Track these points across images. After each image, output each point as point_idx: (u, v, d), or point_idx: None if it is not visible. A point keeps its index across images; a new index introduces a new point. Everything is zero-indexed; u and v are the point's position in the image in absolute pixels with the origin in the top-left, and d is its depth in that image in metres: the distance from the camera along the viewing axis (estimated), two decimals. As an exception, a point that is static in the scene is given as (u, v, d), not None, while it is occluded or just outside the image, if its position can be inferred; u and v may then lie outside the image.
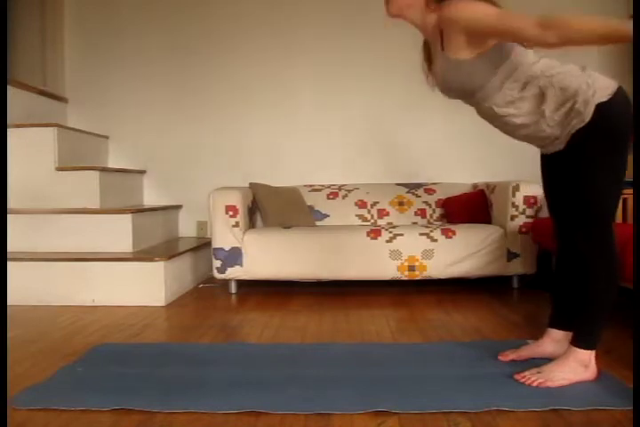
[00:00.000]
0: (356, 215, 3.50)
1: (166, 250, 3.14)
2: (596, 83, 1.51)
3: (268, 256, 2.98)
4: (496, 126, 1.68)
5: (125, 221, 3.01)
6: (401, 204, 3.52)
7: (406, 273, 2.96)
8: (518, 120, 1.59)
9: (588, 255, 1.59)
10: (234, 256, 2.98)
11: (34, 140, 3.20)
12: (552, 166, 1.68)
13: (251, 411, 1.42)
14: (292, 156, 3.81)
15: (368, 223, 3.47)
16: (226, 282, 3.11)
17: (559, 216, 1.73)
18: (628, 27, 1.29)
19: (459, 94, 1.65)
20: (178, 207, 3.87)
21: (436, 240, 2.94)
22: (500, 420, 1.37)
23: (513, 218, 3.01)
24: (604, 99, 1.50)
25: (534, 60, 1.56)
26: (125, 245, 3.00)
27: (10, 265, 2.54)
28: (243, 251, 2.99)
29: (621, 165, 1.55)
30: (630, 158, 1.56)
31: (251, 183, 3.36)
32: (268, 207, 3.28)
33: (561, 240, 1.75)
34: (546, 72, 1.54)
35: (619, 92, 1.52)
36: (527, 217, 3.00)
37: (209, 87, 3.84)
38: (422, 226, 3.08)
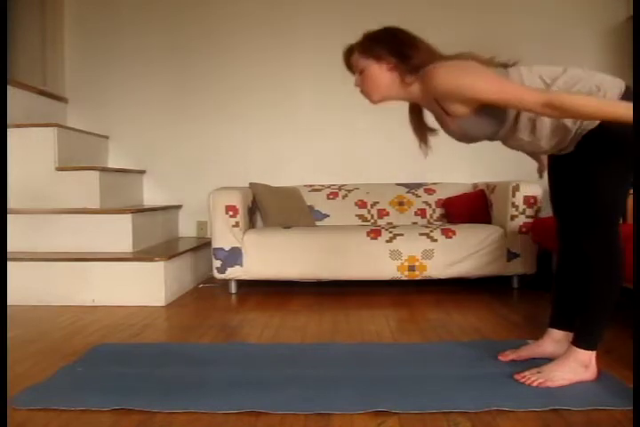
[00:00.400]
0: (356, 215, 3.50)
1: (166, 250, 3.14)
2: (604, 84, 1.50)
3: (268, 256, 2.98)
4: (527, 152, 1.69)
5: (125, 221, 3.01)
6: (401, 204, 3.52)
7: (406, 273, 2.96)
8: (545, 143, 1.57)
9: (591, 255, 1.59)
10: (234, 256, 2.98)
11: (34, 140, 3.20)
12: (560, 166, 1.67)
13: (251, 411, 1.42)
14: (291, 156, 3.81)
15: (368, 223, 3.47)
16: (226, 282, 3.11)
17: (564, 216, 1.73)
18: (629, 112, 1.33)
19: (484, 140, 1.66)
20: (178, 207, 3.87)
21: (435, 240, 2.94)
22: (500, 420, 1.37)
23: (513, 218, 3.01)
24: (615, 99, 1.49)
25: (537, 81, 1.52)
26: (125, 245, 3.00)
27: (10, 265, 2.54)
28: (243, 251, 2.99)
29: (628, 166, 1.55)
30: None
31: (251, 183, 3.35)
32: (268, 207, 3.28)
33: (564, 240, 1.75)
34: (552, 87, 1.51)
35: (627, 93, 1.51)
36: (527, 217, 3.00)
37: (209, 87, 3.84)
38: (422, 226, 3.08)
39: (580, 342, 1.60)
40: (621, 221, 2.79)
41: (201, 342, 2.13)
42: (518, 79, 1.52)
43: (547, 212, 2.26)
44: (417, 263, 2.95)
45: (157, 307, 2.72)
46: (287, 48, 3.79)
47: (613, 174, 1.54)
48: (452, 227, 3.02)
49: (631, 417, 1.31)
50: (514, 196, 3.01)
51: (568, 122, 1.51)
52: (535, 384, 1.57)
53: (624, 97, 1.49)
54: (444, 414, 1.40)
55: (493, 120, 1.55)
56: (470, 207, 3.32)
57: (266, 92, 3.81)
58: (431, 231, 2.97)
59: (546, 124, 1.53)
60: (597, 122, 1.49)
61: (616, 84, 1.52)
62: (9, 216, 2.83)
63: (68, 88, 3.90)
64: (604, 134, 1.50)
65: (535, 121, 1.53)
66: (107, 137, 3.89)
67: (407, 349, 1.96)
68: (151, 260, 2.78)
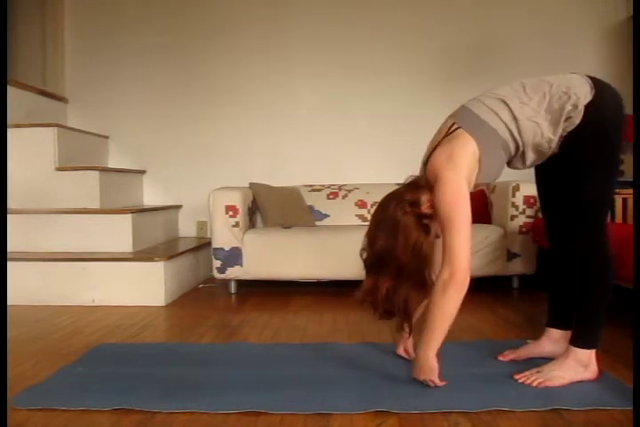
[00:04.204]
0: (356, 215, 3.50)
1: (166, 250, 3.14)
2: (572, 88, 1.51)
3: (268, 256, 2.98)
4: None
5: (125, 221, 3.01)
6: (401, 204, 3.52)
7: (406, 273, 2.95)
8: (530, 154, 1.59)
9: (581, 254, 1.59)
10: (234, 256, 2.98)
11: (34, 140, 3.20)
12: (545, 167, 1.68)
13: (251, 411, 1.42)
14: (291, 156, 3.81)
15: (368, 223, 3.46)
16: (226, 282, 3.11)
17: (552, 216, 1.73)
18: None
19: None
20: (178, 207, 3.87)
21: (435, 240, 2.94)
22: (500, 420, 1.37)
23: (513, 218, 3.01)
24: (589, 98, 1.49)
25: (507, 114, 1.54)
26: (125, 245, 3.00)
27: (10, 265, 2.54)
28: (242, 251, 2.99)
29: (614, 163, 1.56)
30: (630, 158, 1.56)
31: (251, 183, 3.35)
32: (268, 207, 3.28)
33: (555, 240, 1.76)
34: (526, 112, 1.53)
35: (598, 89, 1.51)
36: (527, 217, 3.00)
37: (209, 87, 3.84)
38: (422, 226, 3.08)
39: (578, 341, 1.60)
40: (621, 221, 2.80)
41: (201, 342, 2.13)
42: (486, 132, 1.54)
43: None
44: (417, 263, 2.94)
45: (157, 307, 2.72)
46: (286, 48, 3.79)
47: (599, 173, 1.55)
48: (452, 227, 3.01)
49: (631, 417, 1.31)
50: (514, 196, 3.01)
51: (550, 134, 1.52)
52: (535, 384, 1.57)
53: (598, 94, 1.50)
54: (444, 414, 1.40)
55: (499, 160, 1.60)
56: (470, 207, 3.31)
57: (266, 92, 3.81)
58: (431, 231, 2.96)
59: (528, 137, 1.54)
60: (577, 122, 1.49)
61: (580, 81, 1.53)
62: (9, 216, 2.83)
63: (68, 88, 3.91)
64: (585, 132, 1.51)
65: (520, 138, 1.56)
66: (107, 137, 3.90)
67: (407, 349, 1.96)
68: (151, 260, 2.78)
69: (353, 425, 1.36)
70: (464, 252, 1.53)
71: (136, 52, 3.86)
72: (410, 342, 1.86)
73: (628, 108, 1.59)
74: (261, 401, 1.46)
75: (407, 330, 1.75)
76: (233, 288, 3.09)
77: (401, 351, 1.87)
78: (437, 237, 1.61)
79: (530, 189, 2.99)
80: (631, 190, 2.25)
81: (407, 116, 3.75)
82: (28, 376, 1.71)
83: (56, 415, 1.42)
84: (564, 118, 1.50)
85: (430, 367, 1.54)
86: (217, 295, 3.05)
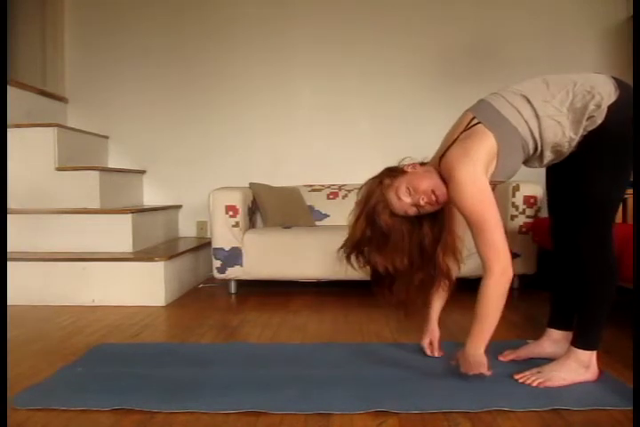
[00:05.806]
0: (356, 215, 3.49)
1: (166, 250, 3.14)
2: (597, 88, 1.49)
3: (268, 256, 2.98)
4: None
5: (125, 221, 3.01)
6: (401, 204, 3.51)
7: (406, 273, 2.95)
8: (548, 154, 1.58)
9: (585, 255, 1.59)
10: (234, 256, 2.98)
11: (34, 140, 3.20)
12: (559, 165, 1.67)
13: (251, 411, 1.42)
14: (292, 156, 3.81)
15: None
16: (226, 282, 3.11)
17: (558, 214, 1.73)
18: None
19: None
20: (178, 207, 3.87)
21: (436, 240, 2.94)
22: (500, 420, 1.37)
23: (513, 218, 3.01)
24: (614, 98, 1.48)
25: (529, 112, 1.53)
26: (125, 245, 2.99)
27: (10, 265, 2.54)
28: (243, 251, 2.98)
29: (627, 164, 1.55)
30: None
31: (251, 183, 3.35)
32: (268, 207, 3.28)
33: (559, 239, 1.75)
34: (548, 110, 1.52)
35: (622, 89, 1.50)
36: (527, 217, 2.99)
37: (209, 87, 3.84)
38: (422, 226, 3.08)
39: (580, 342, 1.60)
40: (621, 221, 2.80)
41: (201, 342, 2.13)
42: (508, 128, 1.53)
43: (547, 211, 2.26)
44: (417, 263, 2.94)
45: (157, 307, 2.72)
46: (288, 48, 3.79)
47: (612, 174, 1.54)
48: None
49: (631, 417, 1.31)
50: (514, 196, 3.00)
51: (572, 133, 1.51)
52: (535, 384, 1.57)
53: (621, 95, 1.48)
54: (444, 414, 1.40)
55: (517, 158, 1.58)
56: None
57: (266, 92, 3.81)
58: (431, 231, 2.96)
59: (550, 135, 1.52)
60: (599, 122, 1.48)
61: (605, 81, 1.52)
62: (9, 216, 2.83)
63: (68, 88, 3.90)
64: (604, 133, 1.50)
65: (542, 135, 1.54)
66: (107, 137, 3.89)
67: (407, 349, 1.96)
68: (151, 260, 2.78)
69: (353, 425, 1.36)
70: (505, 247, 1.60)
71: (136, 52, 3.86)
72: (437, 336, 1.86)
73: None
74: (261, 401, 1.47)
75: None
76: (233, 288, 3.09)
77: (426, 342, 1.86)
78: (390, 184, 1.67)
79: (530, 189, 2.99)
80: (631, 190, 2.24)
81: (407, 117, 3.75)
82: (28, 376, 1.70)
83: (56, 415, 1.42)
84: (586, 117, 1.48)
85: (481, 363, 1.55)
86: (217, 295, 3.05)
